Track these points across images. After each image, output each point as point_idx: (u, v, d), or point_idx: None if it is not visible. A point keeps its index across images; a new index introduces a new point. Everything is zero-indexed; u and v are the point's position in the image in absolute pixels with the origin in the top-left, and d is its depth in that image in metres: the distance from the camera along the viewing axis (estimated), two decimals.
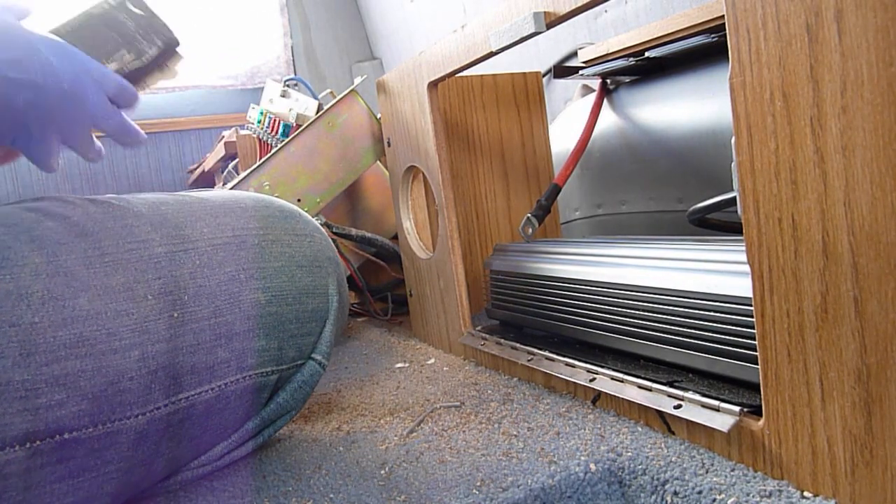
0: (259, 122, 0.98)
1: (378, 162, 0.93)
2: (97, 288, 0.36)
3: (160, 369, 0.38)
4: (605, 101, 0.89)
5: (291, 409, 0.48)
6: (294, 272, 0.47)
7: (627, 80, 0.90)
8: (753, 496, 0.33)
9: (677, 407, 0.40)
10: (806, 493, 0.33)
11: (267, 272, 0.45)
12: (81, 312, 0.35)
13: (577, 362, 0.51)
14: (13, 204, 0.39)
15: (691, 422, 0.39)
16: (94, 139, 0.50)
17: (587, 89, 1.05)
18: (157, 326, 0.38)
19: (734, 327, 0.40)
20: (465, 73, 0.66)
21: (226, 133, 1.99)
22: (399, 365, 0.69)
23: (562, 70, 0.89)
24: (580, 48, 0.81)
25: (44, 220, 0.37)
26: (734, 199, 0.35)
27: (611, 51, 0.76)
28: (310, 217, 0.52)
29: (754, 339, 0.35)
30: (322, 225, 0.87)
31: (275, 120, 0.96)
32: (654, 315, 0.47)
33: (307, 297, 0.47)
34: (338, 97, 0.87)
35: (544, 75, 0.90)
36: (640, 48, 0.72)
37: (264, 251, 0.45)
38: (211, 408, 0.41)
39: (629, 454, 0.40)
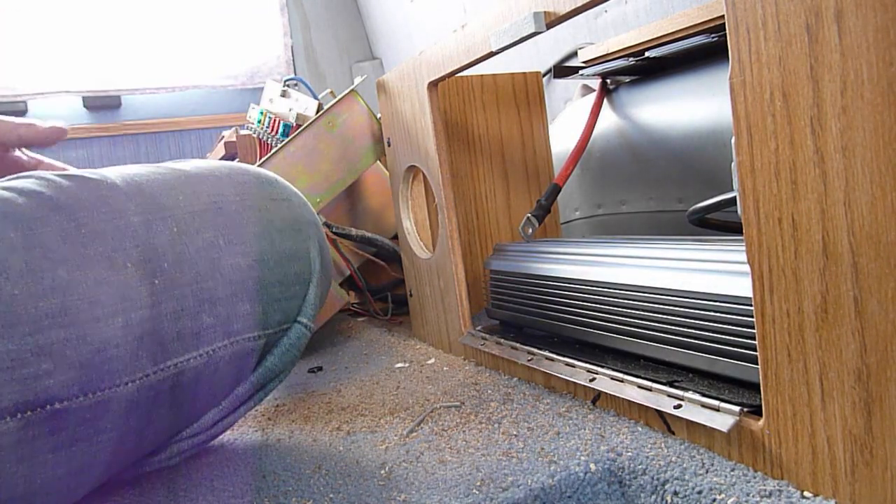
0: (259, 122, 0.98)
1: (378, 162, 0.93)
2: (76, 258, 0.36)
3: (145, 336, 0.38)
4: (605, 101, 0.89)
5: (280, 371, 0.48)
6: (273, 236, 0.47)
7: (627, 80, 0.90)
8: (753, 496, 0.33)
9: (677, 407, 0.40)
10: (806, 493, 0.33)
11: (246, 237, 0.45)
12: (61, 283, 0.35)
13: (577, 362, 0.51)
14: None
15: (691, 422, 0.39)
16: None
17: (587, 89, 1.05)
18: (139, 294, 0.38)
19: (734, 327, 0.40)
20: (465, 73, 0.66)
21: (226, 133, 1.99)
22: (399, 365, 0.69)
23: (562, 70, 0.89)
24: (580, 48, 0.81)
25: (17, 198, 0.37)
26: (734, 199, 0.35)
27: (611, 51, 0.76)
28: (288, 183, 0.52)
29: (754, 339, 0.35)
30: (322, 225, 0.87)
31: (275, 120, 0.96)
32: (654, 315, 0.47)
33: (289, 260, 0.47)
34: (338, 97, 0.87)
35: (544, 75, 0.90)
36: (640, 48, 0.72)
37: (242, 216, 0.46)
38: (200, 374, 0.42)
39: (629, 454, 0.40)
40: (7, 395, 0.32)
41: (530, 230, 0.73)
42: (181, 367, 0.40)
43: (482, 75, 0.82)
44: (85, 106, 2.63)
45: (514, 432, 0.46)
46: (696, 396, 0.39)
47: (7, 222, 0.35)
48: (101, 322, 0.36)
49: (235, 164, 0.50)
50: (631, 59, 0.77)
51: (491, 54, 0.55)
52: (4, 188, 0.38)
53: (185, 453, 0.45)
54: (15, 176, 0.40)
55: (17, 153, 0.65)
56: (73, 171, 0.42)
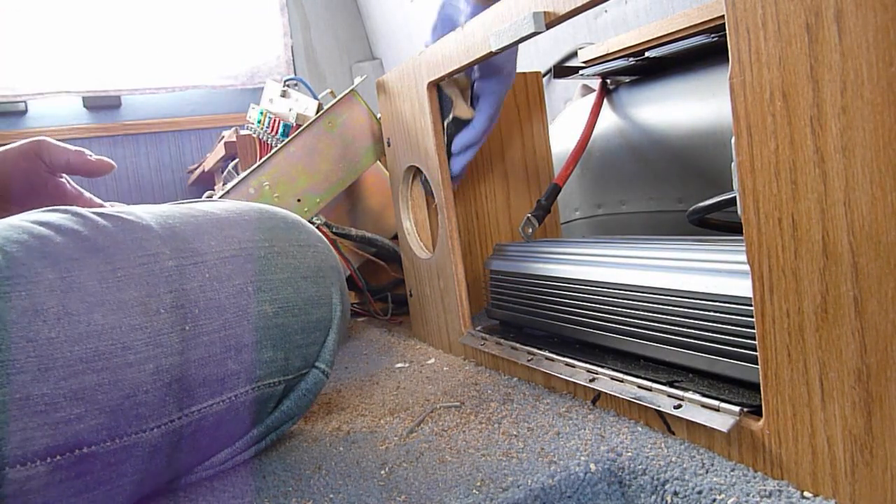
0: (259, 122, 0.98)
1: (378, 162, 0.93)
2: (111, 303, 0.36)
3: (174, 382, 0.38)
4: (605, 101, 0.89)
5: (295, 415, 0.48)
6: (299, 283, 0.47)
7: (627, 80, 0.90)
8: (753, 496, 0.33)
9: (677, 407, 0.40)
10: (806, 493, 0.33)
11: (273, 284, 0.45)
12: (97, 327, 0.35)
13: (577, 362, 0.51)
14: (21, 217, 0.39)
15: (691, 422, 0.39)
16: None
17: (587, 89, 1.05)
18: (171, 340, 0.38)
19: (734, 327, 0.40)
20: None
21: (226, 133, 2.00)
22: (399, 365, 0.69)
23: (562, 70, 0.89)
24: (580, 48, 0.81)
25: (55, 236, 0.37)
26: (734, 199, 0.35)
27: (611, 51, 0.76)
28: (312, 227, 0.53)
29: (754, 339, 0.35)
30: (322, 225, 0.87)
31: (275, 120, 0.96)
32: (654, 315, 0.47)
33: (312, 307, 0.48)
34: (338, 97, 0.87)
35: (544, 75, 0.90)
36: (640, 48, 0.72)
37: (270, 263, 0.46)
38: (221, 419, 0.42)
39: (629, 454, 0.40)
40: (39, 438, 0.32)
41: (530, 230, 0.73)
42: (204, 412, 0.40)
43: None
44: (85, 106, 2.63)
45: (514, 432, 0.46)
46: (696, 396, 0.39)
47: (46, 262, 0.35)
48: (133, 367, 0.36)
49: (263, 206, 0.50)
50: (631, 59, 0.77)
51: (491, 54, 0.55)
52: (40, 223, 0.38)
53: (189, 484, 0.45)
54: (49, 209, 0.40)
55: (63, 179, 0.65)
56: (108, 209, 0.41)
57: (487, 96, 0.67)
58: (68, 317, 0.34)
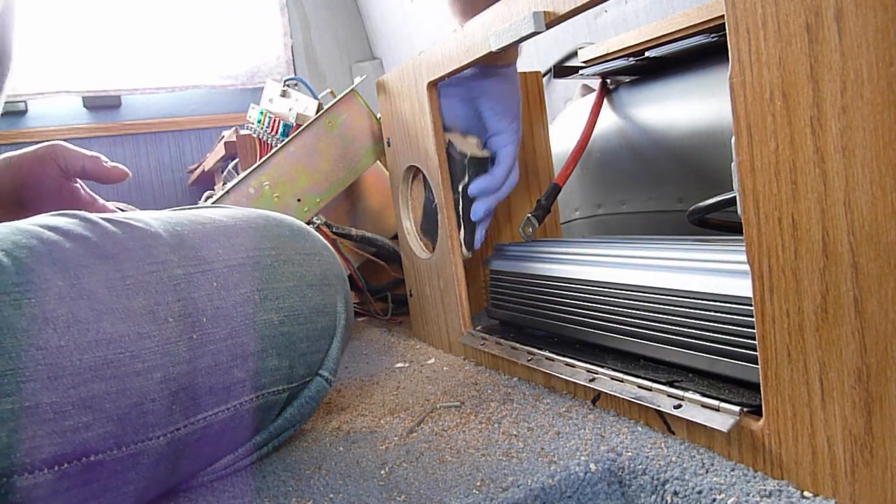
0: (259, 121, 0.98)
1: (378, 162, 0.93)
2: (120, 311, 0.36)
3: (181, 390, 0.38)
4: (605, 101, 0.89)
5: (297, 422, 0.49)
6: (305, 291, 0.47)
7: (627, 80, 0.90)
8: (753, 496, 0.33)
9: (677, 407, 0.40)
10: (806, 493, 0.33)
11: (280, 292, 0.46)
12: (105, 335, 0.35)
13: (577, 362, 0.51)
14: (30, 221, 0.39)
15: (691, 422, 0.39)
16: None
17: (587, 89, 1.05)
18: (178, 348, 0.38)
19: (734, 327, 0.40)
20: None
21: (225, 133, 2.00)
22: (399, 365, 0.69)
23: (562, 70, 0.89)
24: (580, 48, 0.81)
25: (64, 242, 0.37)
26: (734, 199, 0.35)
27: (611, 51, 0.76)
28: (317, 234, 0.53)
29: (754, 339, 0.35)
30: (322, 225, 0.87)
31: (275, 120, 0.96)
32: (654, 315, 0.47)
33: (317, 315, 0.48)
34: (338, 97, 0.87)
35: (544, 75, 0.90)
36: (640, 48, 0.72)
37: (277, 271, 0.46)
38: (226, 427, 0.42)
39: (629, 454, 0.40)
40: (47, 447, 0.32)
41: (530, 230, 0.73)
42: (209, 420, 0.40)
43: None
44: (85, 106, 2.63)
45: (514, 432, 0.46)
46: (696, 396, 0.39)
47: (55, 269, 0.35)
48: (140, 376, 0.36)
49: (269, 213, 0.51)
50: (631, 59, 0.77)
51: (491, 54, 0.55)
52: (49, 227, 0.37)
53: (190, 488, 0.45)
54: (57, 213, 0.40)
55: (77, 184, 0.65)
56: (116, 215, 0.41)
57: (501, 150, 0.70)
58: (77, 325, 0.34)
